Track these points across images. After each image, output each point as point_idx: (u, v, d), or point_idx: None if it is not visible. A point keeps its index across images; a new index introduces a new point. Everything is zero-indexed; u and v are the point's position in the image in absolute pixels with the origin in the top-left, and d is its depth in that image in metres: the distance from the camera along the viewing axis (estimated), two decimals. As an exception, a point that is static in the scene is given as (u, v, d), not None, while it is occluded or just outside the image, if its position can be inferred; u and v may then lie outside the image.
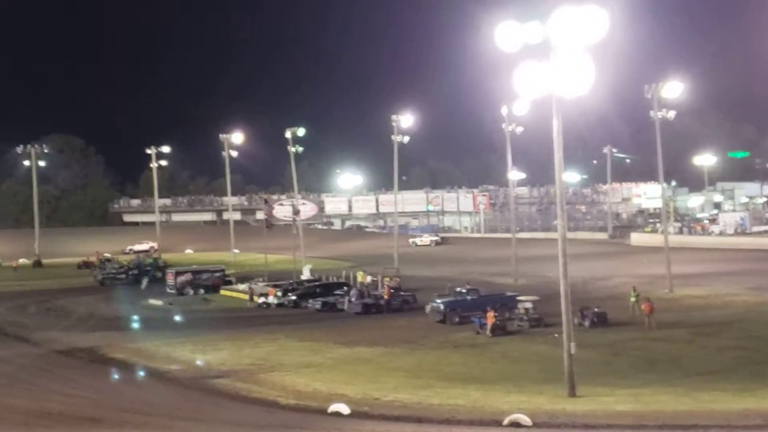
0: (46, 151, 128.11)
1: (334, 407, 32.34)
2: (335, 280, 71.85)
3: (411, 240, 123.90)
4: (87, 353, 48.33)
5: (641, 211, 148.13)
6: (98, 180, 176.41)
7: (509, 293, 58.29)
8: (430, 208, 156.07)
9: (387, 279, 69.16)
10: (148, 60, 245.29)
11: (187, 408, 34.78)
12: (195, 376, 41.21)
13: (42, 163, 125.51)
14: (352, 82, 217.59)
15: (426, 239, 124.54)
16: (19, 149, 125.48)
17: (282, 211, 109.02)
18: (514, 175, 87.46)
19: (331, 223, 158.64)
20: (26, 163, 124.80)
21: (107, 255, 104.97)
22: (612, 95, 73.88)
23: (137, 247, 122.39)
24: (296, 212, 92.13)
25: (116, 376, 42.47)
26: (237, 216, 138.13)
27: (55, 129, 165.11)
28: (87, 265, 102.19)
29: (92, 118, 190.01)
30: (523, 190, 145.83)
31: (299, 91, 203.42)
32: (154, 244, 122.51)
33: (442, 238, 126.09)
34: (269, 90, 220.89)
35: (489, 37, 33.50)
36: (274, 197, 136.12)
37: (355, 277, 72.78)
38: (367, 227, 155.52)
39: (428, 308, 56.21)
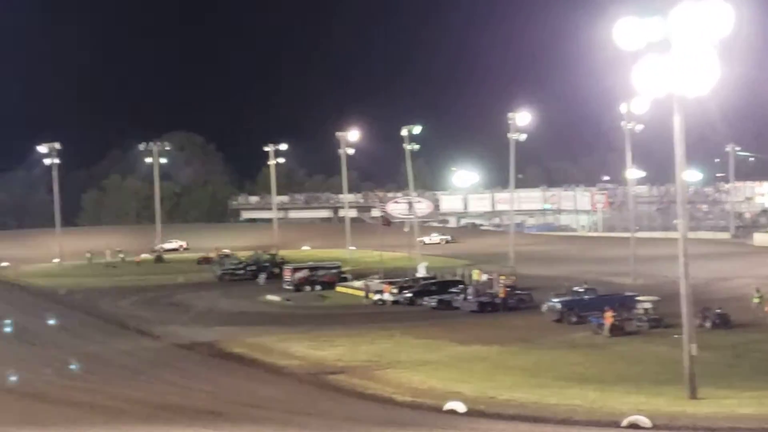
0: (167, 148, 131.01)
1: (449, 405, 32.31)
2: (450, 277, 71.72)
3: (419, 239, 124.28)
4: (207, 347, 49.24)
5: (765, 211, 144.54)
6: (218, 177, 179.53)
7: (628, 293, 57.57)
8: (547, 206, 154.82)
9: (503, 277, 68.70)
10: (267, 58, 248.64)
11: (304, 403, 35.15)
12: (312, 371, 41.61)
13: (163, 161, 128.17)
14: (469, 79, 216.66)
15: (435, 238, 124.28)
16: (142, 146, 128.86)
17: (397, 208, 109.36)
18: (633, 173, 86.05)
19: (447, 221, 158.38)
20: (148, 160, 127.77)
21: (226, 251, 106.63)
22: (736, 91, 72.04)
23: (167, 246, 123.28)
24: (411, 210, 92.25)
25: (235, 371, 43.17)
26: (353, 213, 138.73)
27: (176, 127, 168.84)
28: (206, 260, 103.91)
29: (212, 116, 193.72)
30: (643, 189, 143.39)
31: (416, 88, 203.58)
32: (183, 243, 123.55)
33: (453, 237, 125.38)
34: (386, 87, 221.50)
35: (608, 34, 33.04)
36: (390, 195, 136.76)
37: (470, 275, 72.55)
38: (482, 225, 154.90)
39: (545, 307, 55.86)
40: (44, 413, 33.73)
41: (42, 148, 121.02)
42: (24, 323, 60.47)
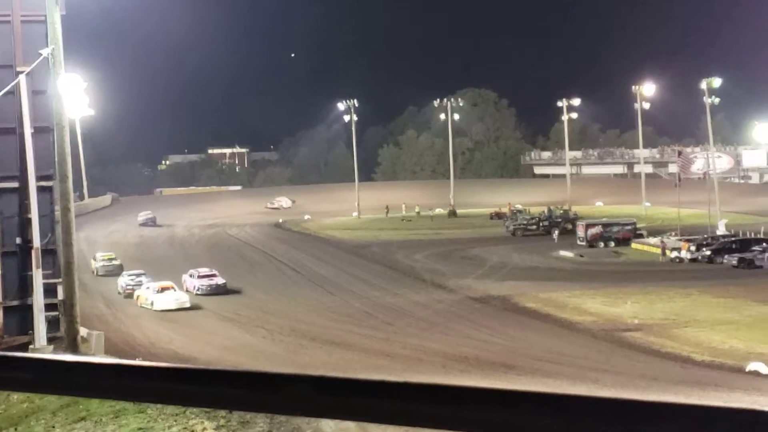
0: (461, 104, 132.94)
1: (752, 366, 31.24)
2: (752, 235, 68.81)
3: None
4: (500, 301, 49.58)
5: None
6: (510, 132, 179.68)
7: None
8: None
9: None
10: (559, 12, 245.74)
11: (599, 359, 34.85)
12: (606, 328, 41.14)
13: (457, 117, 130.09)
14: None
15: (280, 202, 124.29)
16: (436, 103, 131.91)
17: (696, 164, 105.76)
18: None
19: (749, 177, 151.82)
20: (442, 116, 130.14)
21: (519, 206, 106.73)
22: None
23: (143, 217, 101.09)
24: (711, 166, 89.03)
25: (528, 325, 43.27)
26: (648, 169, 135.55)
27: (469, 83, 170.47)
28: (499, 215, 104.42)
29: (505, 71, 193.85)
30: None
31: (716, 39, 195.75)
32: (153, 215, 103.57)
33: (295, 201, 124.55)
34: (683, 39, 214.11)
35: None
36: (688, 150, 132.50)
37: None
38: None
39: None
40: (346, 360, 35.15)
41: (341, 106, 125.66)
42: (325, 274, 63.00)
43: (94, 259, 66.22)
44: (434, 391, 1.80)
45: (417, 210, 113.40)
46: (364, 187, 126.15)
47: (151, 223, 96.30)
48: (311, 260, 70.41)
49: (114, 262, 64.45)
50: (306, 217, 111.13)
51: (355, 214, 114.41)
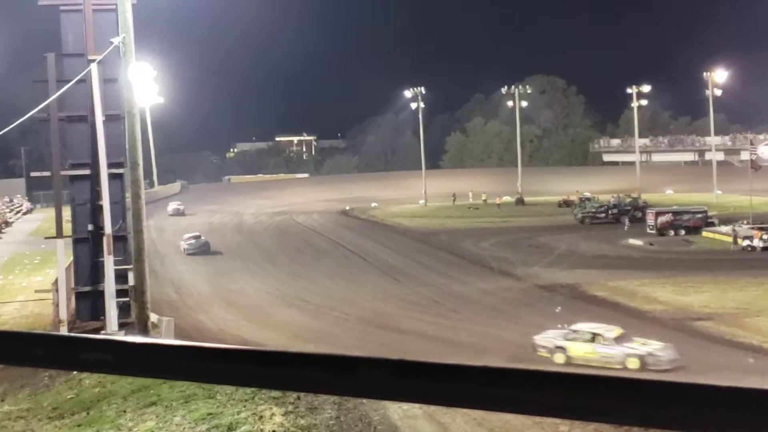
0: (528, 91, 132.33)
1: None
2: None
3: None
4: (568, 290, 49.24)
5: None
6: (578, 120, 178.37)
7: None
8: None
9: None
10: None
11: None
12: (677, 317, 40.68)
13: (524, 104, 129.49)
14: None
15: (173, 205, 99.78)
16: (504, 90, 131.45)
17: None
18: None
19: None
20: (510, 103, 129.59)
21: (587, 194, 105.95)
22: None
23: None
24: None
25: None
26: (720, 156, 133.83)
27: (538, 70, 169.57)
28: (567, 203, 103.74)
29: (574, 58, 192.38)
30: None
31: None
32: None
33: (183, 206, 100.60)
34: (755, 25, 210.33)
35: None
36: (760, 137, 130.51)
37: None
38: None
39: None
40: (412, 349, 35.13)
41: (408, 93, 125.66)
42: (392, 261, 63.02)
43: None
44: (513, 375, 1.78)
45: (484, 198, 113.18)
46: (431, 175, 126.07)
47: (203, 250, 68.77)
48: (378, 248, 70.47)
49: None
50: (373, 204, 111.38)
51: (421, 201, 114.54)
